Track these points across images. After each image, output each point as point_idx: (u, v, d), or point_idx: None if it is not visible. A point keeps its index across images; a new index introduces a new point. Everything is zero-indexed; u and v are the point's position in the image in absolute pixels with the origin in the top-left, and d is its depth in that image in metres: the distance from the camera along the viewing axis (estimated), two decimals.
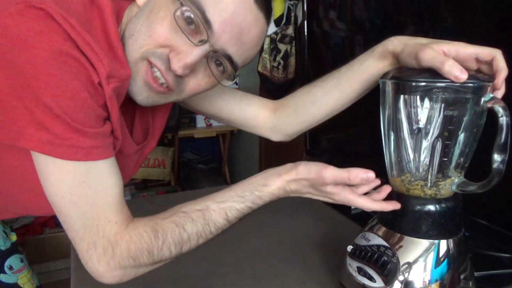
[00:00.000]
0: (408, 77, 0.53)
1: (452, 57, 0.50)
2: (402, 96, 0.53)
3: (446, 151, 0.52)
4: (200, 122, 2.55)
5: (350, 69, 0.65)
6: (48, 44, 0.44)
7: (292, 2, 1.77)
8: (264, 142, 2.33)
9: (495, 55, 0.49)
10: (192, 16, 0.49)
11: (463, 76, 0.47)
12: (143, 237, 0.51)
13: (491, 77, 0.50)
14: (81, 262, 0.52)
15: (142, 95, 0.55)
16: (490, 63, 0.50)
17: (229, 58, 0.53)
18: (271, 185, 0.56)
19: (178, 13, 0.50)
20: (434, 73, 0.50)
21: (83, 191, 0.49)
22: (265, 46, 1.94)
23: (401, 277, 0.53)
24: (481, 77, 0.49)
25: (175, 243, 0.53)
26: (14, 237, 0.81)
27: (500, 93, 0.51)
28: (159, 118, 0.69)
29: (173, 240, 0.53)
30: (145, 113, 0.66)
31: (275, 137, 0.80)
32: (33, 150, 0.47)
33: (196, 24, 0.50)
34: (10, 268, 0.78)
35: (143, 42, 0.52)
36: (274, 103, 0.79)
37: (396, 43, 0.58)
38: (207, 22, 0.50)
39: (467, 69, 0.48)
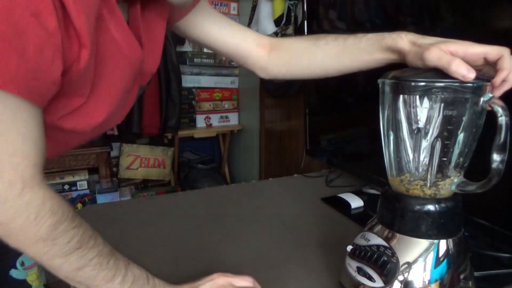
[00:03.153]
0: (407, 77, 0.53)
1: (460, 57, 0.49)
2: (401, 96, 0.53)
3: (446, 151, 0.53)
4: (200, 122, 2.55)
5: (356, 45, 0.65)
6: None
7: (292, 2, 1.78)
8: (264, 142, 2.33)
9: (503, 53, 0.49)
10: None
11: (470, 75, 0.47)
12: (62, 205, 0.47)
13: (492, 76, 0.50)
14: None
15: None
16: (495, 63, 0.50)
17: None
18: None
19: None
20: (435, 73, 0.50)
21: None
22: None
23: (400, 277, 0.53)
24: (480, 75, 0.49)
25: (78, 241, 0.48)
26: None
27: (498, 92, 0.50)
28: (156, 32, 0.62)
29: (80, 238, 0.48)
30: (135, 20, 0.58)
31: (262, 74, 0.79)
32: None
33: None
34: (22, 264, 0.77)
35: None
36: (270, 42, 0.78)
37: (406, 41, 0.57)
38: None
39: (475, 68, 0.48)
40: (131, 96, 0.63)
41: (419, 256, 0.53)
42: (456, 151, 0.53)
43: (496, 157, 0.48)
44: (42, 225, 0.45)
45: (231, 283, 0.61)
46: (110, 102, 0.56)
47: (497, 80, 0.49)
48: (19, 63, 0.40)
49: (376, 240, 0.57)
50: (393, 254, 0.54)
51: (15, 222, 0.44)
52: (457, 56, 0.50)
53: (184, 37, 0.77)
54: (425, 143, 0.53)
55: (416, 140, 0.53)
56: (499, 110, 0.47)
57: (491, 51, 0.50)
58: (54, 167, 2.22)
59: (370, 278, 0.55)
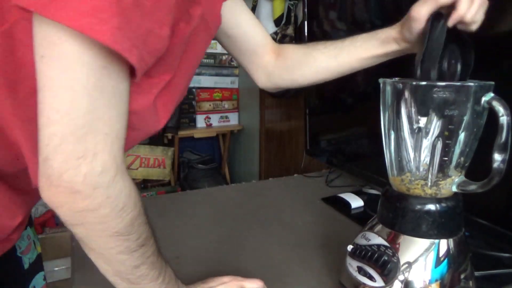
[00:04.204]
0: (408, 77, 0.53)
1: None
2: (402, 96, 0.53)
3: (447, 151, 0.52)
4: (200, 122, 2.55)
5: (353, 44, 0.67)
6: None
7: (292, 2, 1.78)
8: (264, 142, 2.33)
9: None
10: None
11: None
12: (140, 198, 0.44)
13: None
14: (81, 262, 0.51)
15: None
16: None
17: None
18: None
19: None
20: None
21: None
22: None
23: (401, 277, 0.53)
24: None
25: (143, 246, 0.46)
26: (39, 249, 0.78)
27: (468, 16, 0.52)
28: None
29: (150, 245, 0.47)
30: None
31: (264, 80, 0.78)
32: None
33: None
34: None
35: None
36: (278, 47, 0.77)
37: (396, 26, 0.62)
38: None
39: None
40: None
41: (420, 256, 0.53)
42: (457, 150, 0.53)
43: (497, 156, 0.48)
44: (124, 218, 0.42)
45: (243, 287, 0.60)
46: (185, 80, 0.53)
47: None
48: (139, 22, 0.37)
49: (376, 239, 0.56)
50: (394, 253, 0.54)
51: (101, 211, 0.40)
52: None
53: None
54: (426, 143, 0.53)
55: (417, 139, 0.53)
56: (500, 110, 0.47)
57: None
58: None
59: (370, 277, 0.55)
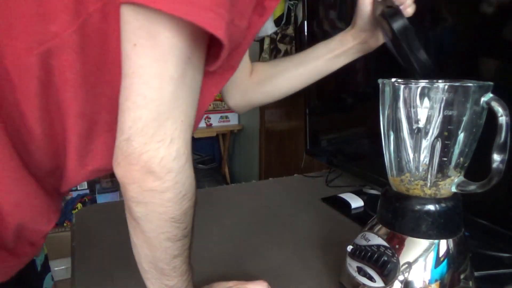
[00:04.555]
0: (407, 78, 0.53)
1: None
2: (401, 96, 0.53)
3: (446, 151, 0.52)
4: (200, 122, 2.55)
5: (316, 49, 0.74)
6: None
7: (292, 2, 1.78)
8: (264, 142, 2.33)
9: None
10: None
11: None
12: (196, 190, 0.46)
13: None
14: (81, 262, 0.52)
15: None
16: None
17: None
18: None
19: None
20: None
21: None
22: (265, 46, 1.94)
23: (401, 277, 0.53)
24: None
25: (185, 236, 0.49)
26: (46, 249, 0.80)
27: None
28: None
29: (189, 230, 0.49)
30: None
31: (239, 100, 0.79)
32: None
33: None
34: None
35: None
36: (251, 65, 0.78)
37: (351, 25, 0.70)
38: None
39: None
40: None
41: (420, 256, 0.53)
42: (457, 151, 0.53)
43: (496, 157, 0.48)
44: (183, 205, 0.45)
45: None
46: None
47: None
48: (229, 11, 0.39)
49: (376, 240, 0.56)
50: (394, 254, 0.54)
51: (166, 195, 0.42)
52: None
53: None
54: (425, 143, 0.53)
55: (416, 140, 0.53)
56: (499, 110, 0.47)
57: None
58: None
59: (370, 278, 0.55)
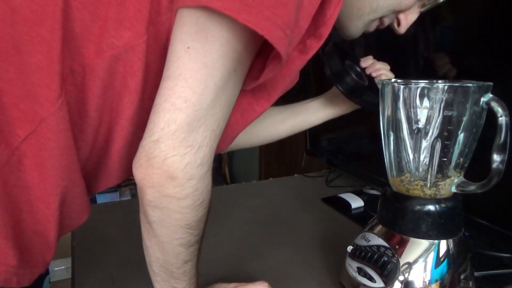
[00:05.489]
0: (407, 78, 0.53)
1: None
2: (401, 96, 0.53)
3: (446, 151, 0.53)
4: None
5: (298, 106, 0.77)
6: None
7: None
8: None
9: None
10: None
11: None
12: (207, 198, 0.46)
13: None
14: (81, 262, 0.51)
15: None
16: None
17: None
18: None
19: None
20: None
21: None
22: None
23: (401, 277, 0.53)
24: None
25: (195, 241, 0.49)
26: None
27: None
28: None
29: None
30: None
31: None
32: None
33: None
34: None
35: None
36: None
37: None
38: None
39: None
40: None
41: (420, 257, 0.53)
42: (456, 151, 0.53)
43: (496, 157, 0.48)
44: (199, 213, 0.45)
45: None
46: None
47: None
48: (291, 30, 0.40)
49: (376, 240, 0.57)
50: (394, 254, 0.54)
51: (184, 202, 0.42)
52: None
53: None
54: (425, 143, 0.53)
55: (416, 140, 0.53)
56: (499, 110, 0.47)
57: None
58: None
59: (370, 278, 0.55)
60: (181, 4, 0.40)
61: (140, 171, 0.41)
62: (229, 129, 0.58)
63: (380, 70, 0.69)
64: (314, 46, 0.48)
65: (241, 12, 0.37)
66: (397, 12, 0.57)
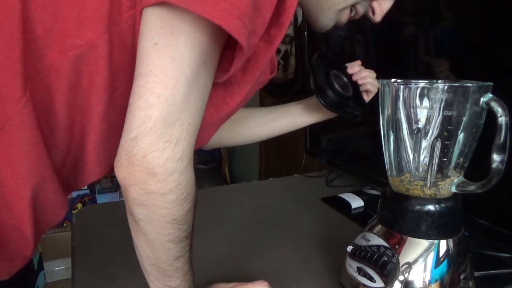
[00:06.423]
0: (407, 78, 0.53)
1: None
2: (401, 96, 0.53)
3: (446, 151, 0.53)
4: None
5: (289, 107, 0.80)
6: None
7: None
8: (264, 142, 2.33)
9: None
10: None
11: None
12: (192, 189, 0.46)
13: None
14: (81, 262, 0.52)
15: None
16: None
17: None
18: None
19: None
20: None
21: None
22: None
23: (401, 277, 0.53)
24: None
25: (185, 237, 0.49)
26: (40, 248, 0.80)
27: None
28: None
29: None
30: None
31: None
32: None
33: None
34: None
35: None
36: None
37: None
38: None
39: None
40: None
41: (419, 256, 0.53)
42: (456, 151, 0.53)
43: (496, 157, 0.48)
44: (185, 207, 0.45)
45: None
46: (239, 103, 0.57)
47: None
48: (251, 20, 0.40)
49: (376, 240, 0.57)
50: (394, 254, 0.54)
51: (169, 196, 0.42)
52: None
53: None
54: (425, 143, 0.53)
55: (416, 140, 0.53)
56: (499, 110, 0.47)
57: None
58: None
59: (370, 278, 0.55)
60: (144, 4, 0.41)
61: (122, 170, 0.41)
62: (205, 124, 0.58)
63: (366, 78, 0.70)
64: (278, 35, 0.48)
65: (198, 5, 0.38)
66: (370, 0, 0.57)
